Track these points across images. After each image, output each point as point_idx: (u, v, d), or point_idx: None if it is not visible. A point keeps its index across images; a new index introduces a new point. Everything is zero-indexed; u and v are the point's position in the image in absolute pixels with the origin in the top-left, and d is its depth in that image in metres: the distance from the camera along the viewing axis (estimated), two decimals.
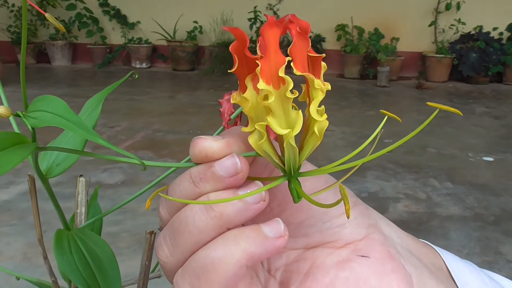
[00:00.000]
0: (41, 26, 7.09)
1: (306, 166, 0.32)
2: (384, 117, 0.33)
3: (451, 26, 6.19)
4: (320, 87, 0.27)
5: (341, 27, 6.42)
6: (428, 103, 0.29)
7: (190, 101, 4.83)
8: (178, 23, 6.76)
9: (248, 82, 0.26)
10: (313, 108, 0.27)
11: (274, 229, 0.28)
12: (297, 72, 0.26)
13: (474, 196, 2.56)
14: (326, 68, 0.28)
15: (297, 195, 0.29)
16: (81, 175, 0.46)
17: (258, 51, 0.26)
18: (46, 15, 0.41)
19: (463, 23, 6.09)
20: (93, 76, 6.34)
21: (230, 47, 0.26)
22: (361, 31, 6.38)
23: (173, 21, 6.76)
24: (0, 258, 1.89)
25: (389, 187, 2.66)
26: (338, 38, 6.46)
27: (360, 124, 4.02)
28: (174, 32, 6.81)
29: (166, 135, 3.62)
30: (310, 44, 0.27)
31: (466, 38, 6.11)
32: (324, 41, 6.52)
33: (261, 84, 0.25)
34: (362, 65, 6.33)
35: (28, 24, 6.91)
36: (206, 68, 6.49)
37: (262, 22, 6.47)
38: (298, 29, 0.26)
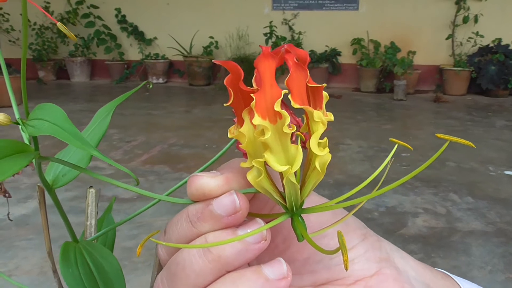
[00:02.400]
0: (61, 44, 7.25)
1: (312, 198, 0.30)
2: (394, 145, 0.30)
3: (469, 39, 6.14)
4: (321, 119, 0.25)
5: (357, 41, 6.42)
6: (438, 134, 0.27)
7: (205, 115, 4.85)
8: (194, 39, 6.84)
9: (245, 116, 0.25)
10: (313, 142, 0.25)
11: (276, 270, 0.26)
12: (295, 105, 0.24)
13: (496, 211, 2.49)
14: (328, 98, 0.27)
15: (301, 234, 0.27)
16: (91, 186, 0.45)
17: (253, 84, 0.24)
18: (58, 24, 0.40)
19: (481, 36, 6.03)
20: (111, 91, 6.44)
21: (224, 81, 0.25)
22: (377, 44, 6.36)
23: (189, 37, 6.85)
24: (17, 272, 1.89)
25: (407, 202, 2.61)
26: (354, 52, 6.45)
27: (377, 138, 3.97)
28: (190, 47, 6.90)
29: (181, 149, 3.63)
30: (309, 74, 0.25)
31: (484, 50, 6.04)
32: (340, 55, 6.52)
33: (257, 119, 0.24)
34: (378, 79, 6.30)
35: (48, 42, 7.09)
36: (221, 83, 6.53)
37: (277, 37, 6.51)
38: (295, 59, 0.25)
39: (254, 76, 0.25)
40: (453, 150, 3.52)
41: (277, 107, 0.23)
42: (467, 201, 2.63)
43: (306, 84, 0.25)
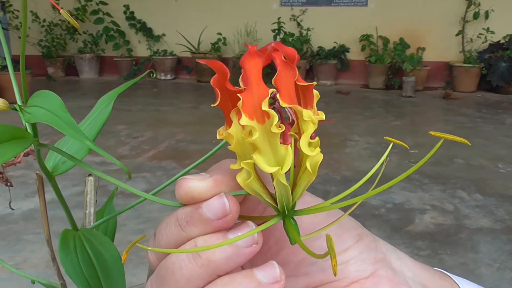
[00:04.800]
0: (70, 40, 7.29)
1: (305, 199, 0.30)
2: (390, 144, 0.29)
3: (480, 35, 6.07)
4: (311, 118, 0.24)
5: (365, 37, 6.38)
6: (431, 132, 0.27)
7: (213, 112, 4.85)
8: (202, 35, 6.84)
9: (233, 117, 0.24)
10: (304, 142, 0.24)
11: (269, 274, 0.26)
12: (283, 104, 0.24)
13: (505, 208, 2.47)
14: (319, 96, 0.26)
15: (293, 236, 0.27)
16: (89, 175, 0.45)
17: (240, 83, 0.24)
18: (61, 11, 0.40)
19: (492, 32, 5.97)
20: None
21: (211, 81, 0.25)
22: (386, 41, 6.32)
23: (198, 33, 6.85)
24: (24, 266, 1.91)
25: (415, 198, 2.59)
26: (363, 49, 6.41)
27: (385, 134, 3.93)
28: (199, 44, 6.90)
29: (189, 145, 3.64)
30: (297, 72, 0.25)
31: (495, 47, 5.97)
32: (348, 51, 6.49)
33: (244, 120, 0.23)
34: (387, 76, 6.26)
35: (57, 38, 7.12)
36: (229, 79, 6.53)
37: (286, 34, 6.49)
38: (283, 57, 0.24)
39: (241, 76, 0.24)
40: (462, 147, 3.49)
41: (265, 106, 0.23)
42: (476, 198, 2.61)
43: (296, 82, 0.25)
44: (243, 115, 0.23)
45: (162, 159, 3.28)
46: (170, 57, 7.02)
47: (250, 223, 0.27)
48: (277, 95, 0.24)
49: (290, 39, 6.41)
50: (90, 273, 0.37)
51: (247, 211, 0.29)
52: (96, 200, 0.44)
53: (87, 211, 0.43)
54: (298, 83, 0.25)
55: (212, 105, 0.26)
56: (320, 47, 6.47)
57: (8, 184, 0.50)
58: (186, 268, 0.26)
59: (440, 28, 6.27)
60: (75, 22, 0.40)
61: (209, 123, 4.34)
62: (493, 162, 3.22)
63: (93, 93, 6.17)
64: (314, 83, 0.26)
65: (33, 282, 0.58)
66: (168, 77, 7.04)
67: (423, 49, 6.15)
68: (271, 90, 0.24)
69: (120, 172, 2.92)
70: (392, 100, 5.59)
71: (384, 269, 0.29)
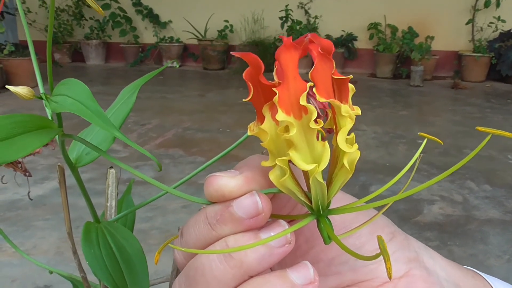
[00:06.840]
0: (77, 26, 7.27)
1: (338, 196, 0.29)
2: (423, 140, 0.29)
3: (490, 24, 5.98)
4: (349, 113, 0.24)
5: (373, 26, 6.31)
6: (478, 128, 0.26)
7: (220, 99, 4.84)
8: (209, 22, 6.80)
9: (266, 112, 0.24)
10: (341, 138, 0.24)
11: (303, 275, 0.25)
12: (320, 99, 0.23)
13: None
14: (355, 90, 0.25)
15: (328, 236, 0.26)
16: (111, 167, 0.44)
17: (275, 77, 0.23)
18: None
19: (503, 21, 5.88)
20: (125, 74, 6.45)
21: (243, 74, 0.24)
22: (394, 29, 6.25)
23: (204, 20, 6.80)
24: (34, 252, 1.93)
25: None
26: (371, 37, 6.35)
27: (392, 124, 3.93)
28: (205, 31, 6.85)
29: (196, 133, 3.64)
30: (335, 65, 0.24)
31: (505, 36, 5.88)
32: (356, 40, 6.42)
33: (281, 115, 0.22)
34: (395, 64, 6.20)
35: (64, 24, 7.09)
36: (236, 67, 6.49)
37: (293, 21, 6.43)
38: (319, 49, 0.23)
39: (275, 69, 0.23)
40: (471, 137, 3.46)
41: (303, 101, 0.22)
42: (485, 189, 2.59)
43: (331, 76, 0.24)
44: (280, 110, 0.22)
45: (170, 147, 3.28)
46: (176, 44, 6.98)
47: (282, 222, 0.26)
48: (314, 90, 0.23)
49: (298, 27, 6.35)
50: (114, 267, 0.37)
51: (276, 208, 0.29)
52: (117, 193, 0.43)
53: (108, 204, 0.42)
54: (334, 76, 0.24)
55: (243, 100, 0.25)
56: (327, 35, 6.40)
57: (27, 174, 0.50)
58: (217, 269, 0.25)
59: (450, 17, 6.19)
60: (100, 9, 0.39)
61: (216, 111, 4.33)
62: (502, 153, 3.19)
63: (100, 80, 6.16)
64: (351, 76, 0.25)
65: (51, 273, 0.57)
66: (175, 64, 7.01)
67: (432, 38, 6.08)
68: (308, 84, 0.23)
69: (128, 160, 2.92)
70: (400, 90, 5.55)
71: (418, 269, 0.28)
